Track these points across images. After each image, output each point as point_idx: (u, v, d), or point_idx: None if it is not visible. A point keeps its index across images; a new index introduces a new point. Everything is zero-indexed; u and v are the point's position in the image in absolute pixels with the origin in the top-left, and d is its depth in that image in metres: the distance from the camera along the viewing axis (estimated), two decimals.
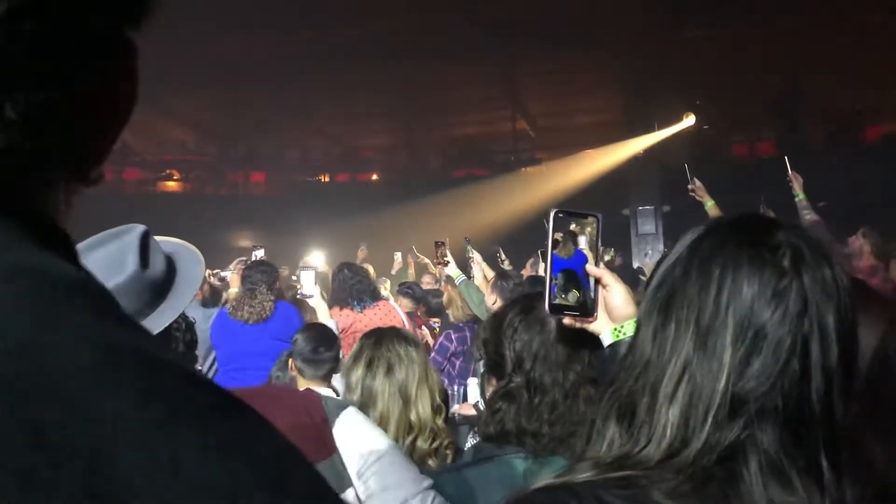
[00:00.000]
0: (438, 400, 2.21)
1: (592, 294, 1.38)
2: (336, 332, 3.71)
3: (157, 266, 1.53)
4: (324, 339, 2.85)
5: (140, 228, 1.56)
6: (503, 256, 7.03)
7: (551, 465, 1.46)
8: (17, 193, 0.40)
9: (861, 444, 0.82)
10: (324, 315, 4.00)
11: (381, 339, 2.23)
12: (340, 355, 2.97)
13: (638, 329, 0.92)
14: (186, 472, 0.33)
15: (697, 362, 0.83)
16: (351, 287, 4.71)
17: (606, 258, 5.77)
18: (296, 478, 0.38)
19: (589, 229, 1.41)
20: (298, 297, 4.30)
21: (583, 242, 1.40)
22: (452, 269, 5.01)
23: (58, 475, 0.30)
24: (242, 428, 0.38)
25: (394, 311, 4.83)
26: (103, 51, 0.43)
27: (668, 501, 0.78)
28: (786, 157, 5.00)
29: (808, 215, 4.73)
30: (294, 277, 6.37)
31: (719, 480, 0.78)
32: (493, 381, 1.63)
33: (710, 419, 0.80)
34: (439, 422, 2.19)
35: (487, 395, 1.65)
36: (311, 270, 4.18)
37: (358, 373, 2.16)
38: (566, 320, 1.39)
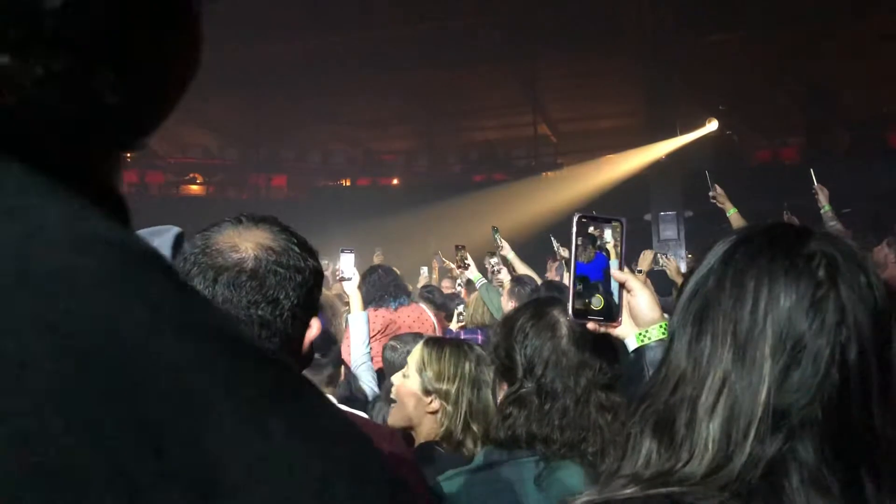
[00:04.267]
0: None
1: (616, 299, 1.38)
2: (365, 325, 3.67)
3: None
4: (321, 345, 2.82)
5: (174, 230, 1.57)
6: (559, 247, 6.93)
7: (562, 471, 1.47)
8: (83, 162, 0.39)
9: None
10: (357, 304, 3.94)
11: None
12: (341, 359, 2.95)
13: (671, 342, 0.91)
14: (278, 456, 0.33)
15: (737, 375, 0.81)
16: (387, 285, 4.71)
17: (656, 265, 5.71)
18: (371, 464, 0.39)
19: (613, 234, 1.41)
20: (338, 279, 4.24)
21: (607, 247, 1.40)
22: (473, 273, 5.01)
23: (155, 458, 0.30)
24: (320, 409, 0.38)
25: (424, 313, 4.82)
26: (174, 17, 0.43)
27: None
28: (812, 170, 4.95)
29: (835, 226, 4.68)
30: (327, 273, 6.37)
31: (763, 495, 0.77)
32: (504, 386, 1.62)
33: (752, 433, 0.79)
34: None
35: (498, 399, 1.65)
36: (351, 253, 4.09)
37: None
38: (590, 325, 1.38)
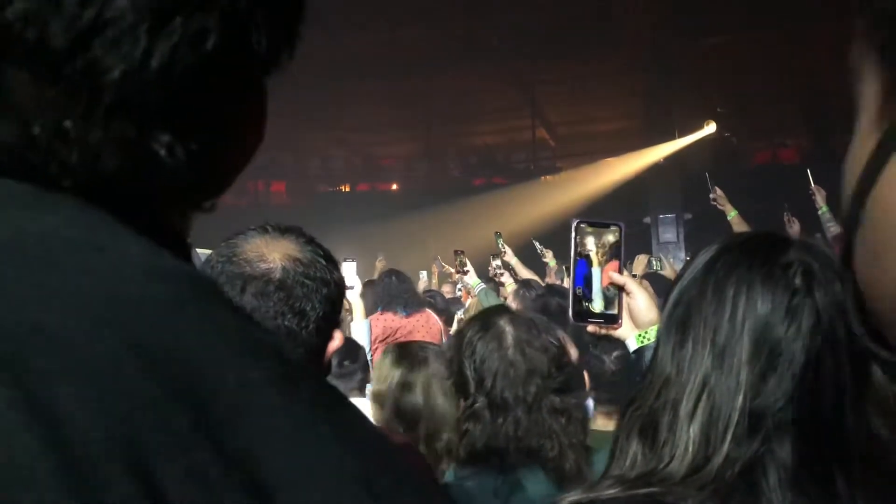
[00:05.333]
0: None
1: (616, 301, 1.40)
2: (367, 334, 3.67)
3: None
4: (348, 351, 2.83)
5: None
6: (542, 250, 6.97)
7: (525, 479, 1.48)
8: (153, 212, 0.45)
9: (878, 455, 0.84)
10: (359, 313, 3.93)
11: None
12: (370, 364, 2.95)
13: (657, 348, 0.96)
14: (330, 457, 0.38)
15: (716, 380, 0.86)
16: (400, 292, 4.71)
17: (654, 267, 5.72)
18: (405, 466, 0.44)
19: (612, 238, 1.42)
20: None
21: (605, 251, 1.41)
22: (472, 278, 5.00)
23: (229, 474, 0.34)
24: (356, 420, 0.43)
25: (433, 319, 4.83)
26: (241, 89, 0.47)
27: None
28: (808, 170, 4.93)
29: (833, 228, 4.66)
30: None
31: (741, 494, 0.81)
32: (461, 402, 1.62)
33: (729, 435, 0.83)
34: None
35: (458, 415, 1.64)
36: (353, 262, 4.08)
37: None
38: (590, 328, 1.41)
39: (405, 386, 2.08)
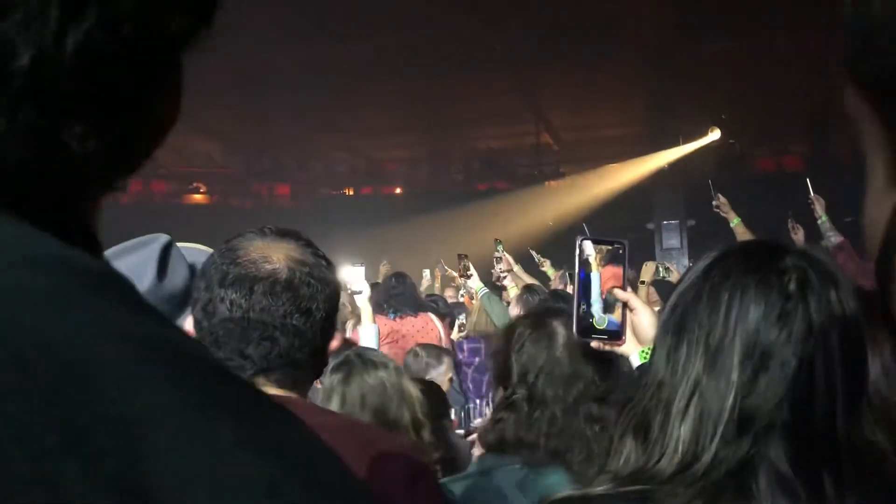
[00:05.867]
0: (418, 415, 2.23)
1: (621, 317, 1.41)
2: (375, 338, 3.68)
3: (177, 278, 1.52)
4: None
5: (163, 239, 1.56)
6: (540, 259, 6.99)
7: (546, 477, 1.50)
8: (51, 196, 0.41)
9: (867, 459, 0.86)
10: (368, 317, 3.94)
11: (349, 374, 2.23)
12: None
13: (654, 351, 0.98)
14: (224, 466, 0.34)
15: (707, 381, 0.87)
16: (391, 296, 4.70)
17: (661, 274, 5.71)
18: (329, 475, 0.39)
19: (600, 253, 1.44)
20: (349, 292, 4.25)
21: (603, 255, 1.42)
22: (475, 282, 4.99)
23: (91, 475, 0.31)
24: (276, 422, 0.39)
25: (431, 323, 4.80)
26: (159, 70, 0.44)
27: None
28: (807, 179, 4.91)
29: (834, 237, 4.63)
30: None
31: (730, 494, 0.83)
32: (500, 391, 1.66)
33: (718, 435, 0.85)
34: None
35: (495, 404, 1.69)
36: (361, 267, 4.10)
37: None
38: (594, 343, 1.42)
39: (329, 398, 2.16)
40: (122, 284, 0.39)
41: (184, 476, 0.32)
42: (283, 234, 1.26)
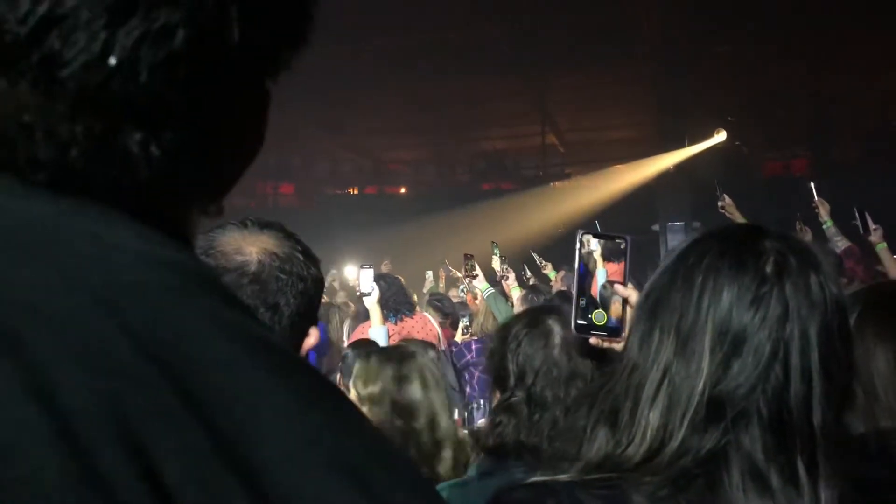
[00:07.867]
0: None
1: (621, 314, 1.38)
2: (385, 340, 3.68)
3: None
4: None
5: None
6: (542, 262, 7.00)
7: None
8: (150, 207, 0.44)
9: (842, 447, 0.84)
10: (377, 319, 3.93)
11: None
12: None
13: (628, 336, 0.96)
14: (321, 450, 0.38)
15: (677, 366, 0.85)
16: (387, 299, 4.68)
17: None
18: (399, 459, 0.45)
19: (605, 250, 1.42)
20: (357, 295, 4.25)
21: (611, 263, 1.41)
22: (481, 283, 4.98)
23: (201, 439, 0.35)
24: (353, 412, 0.44)
25: (430, 323, 4.81)
26: (246, 93, 0.48)
27: (646, 503, 0.80)
28: (811, 183, 4.89)
29: (841, 242, 4.61)
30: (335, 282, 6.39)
31: (700, 484, 0.80)
32: (497, 394, 1.62)
33: (686, 422, 0.82)
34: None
35: (492, 406, 1.65)
36: (370, 269, 4.10)
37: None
38: (593, 340, 1.39)
39: (401, 379, 2.09)
40: (221, 284, 0.44)
41: (284, 452, 0.37)
42: (264, 225, 1.23)
